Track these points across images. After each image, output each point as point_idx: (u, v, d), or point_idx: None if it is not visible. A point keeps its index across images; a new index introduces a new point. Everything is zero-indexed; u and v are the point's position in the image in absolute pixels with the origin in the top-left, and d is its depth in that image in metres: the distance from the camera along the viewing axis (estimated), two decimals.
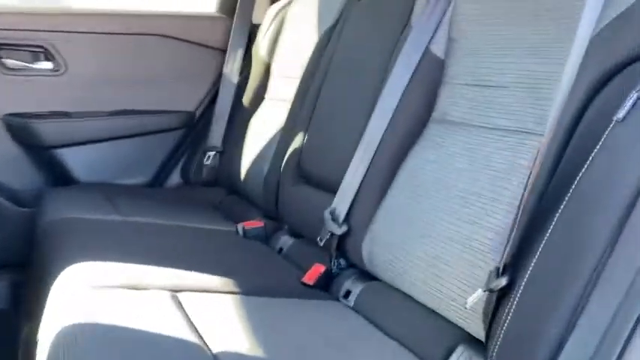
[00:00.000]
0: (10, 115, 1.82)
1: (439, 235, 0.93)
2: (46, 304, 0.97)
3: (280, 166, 1.51)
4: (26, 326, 1.40)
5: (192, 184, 2.00)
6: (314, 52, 1.57)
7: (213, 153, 1.95)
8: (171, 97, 2.02)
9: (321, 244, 1.20)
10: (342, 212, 1.17)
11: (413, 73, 1.12)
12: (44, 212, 1.50)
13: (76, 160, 1.91)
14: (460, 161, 0.96)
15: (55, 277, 1.00)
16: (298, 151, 1.46)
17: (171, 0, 2.09)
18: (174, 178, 2.06)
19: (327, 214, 1.20)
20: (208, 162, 1.95)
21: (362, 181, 1.15)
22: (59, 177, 1.91)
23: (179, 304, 0.93)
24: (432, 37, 1.12)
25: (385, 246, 1.06)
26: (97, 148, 1.94)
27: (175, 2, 2.09)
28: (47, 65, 1.87)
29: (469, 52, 1.04)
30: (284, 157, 1.51)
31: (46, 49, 1.84)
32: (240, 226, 1.52)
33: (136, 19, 1.97)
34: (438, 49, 1.11)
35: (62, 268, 1.02)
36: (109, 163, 1.96)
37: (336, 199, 1.20)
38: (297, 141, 1.48)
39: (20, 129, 1.83)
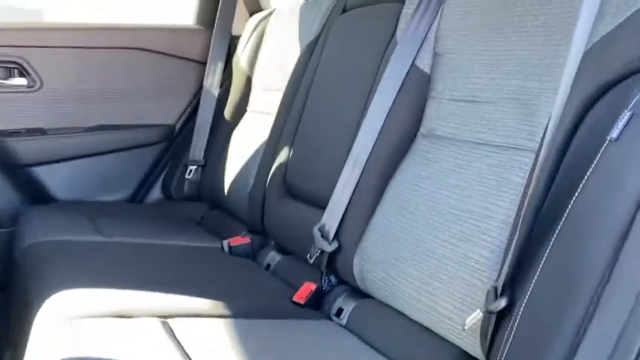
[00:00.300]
0: None
1: (432, 252, 0.93)
2: (31, 334, 0.93)
3: (265, 180, 1.49)
4: (8, 352, 1.35)
5: (174, 199, 1.97)
6: (297, 65, 1.56)
7: (195, 167, 1.92)
8: (150, 111, 1.99)
9: (311, 261, 1.18)
10: (331, 229, 1.16)
11: (399, 87, 1.12)
12: (23, 233, 1.45)
13: (53, 178, 1.87)
14: (451, 177, 0.96)
15: (39, 305, 0.97)
16: (284, 165, 1.45)
17: (148, 13, 2.06)
18: (155, 194, 2.02)
19: (316, 231, 1.18)
20: (190, 176, 1.92)
21: (351, 197, 1.14)
22: (37, 195, 1.86)
23: (170, 332, 0.90)
24: (417, 52, 1.12)
25: (377, 263, 1.05)
26: (74, 165, 1.89)
27: (153, 15, 2.06)
28: (21, 81, 1.82)
29: (455, 67, 1.04)
30: (269, 170, 1.49)
31: (19, 65, 1.80)
32: (225, 243, 1.49)
33: (112, 33, 1.94)
34: (423, 64, 1.11)
35: (46, 296, 0.98)
36: (88, 179, 1.92)
37: (325, 215, 1.19)
38: (283, 155, 1.46)
39: None
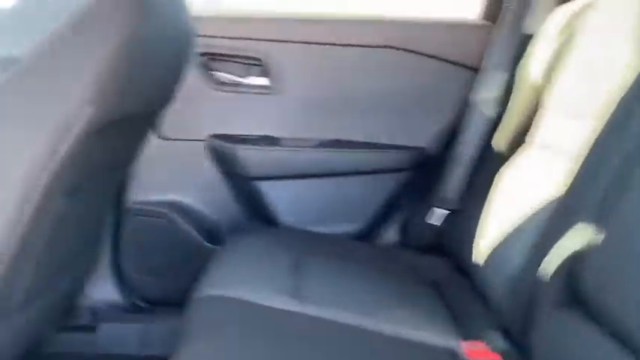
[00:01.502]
0: (215, 136, 1.57)
1: None
2: None
3: (542, 268, 0.92)
4: None
5: (411, 247, 1.51)
6: (633, 84, 0.92)
7: (443, 211, 1.43)
8: (398, 128, 1.56)
9: None
10: None
11: None
12: (208, 274, 1.16)
13: (277, 196, 1.58)
14: None
15: None
16: (579, 256, 0.85)
17: (417, 3, 1.62)
18: (389, 234, 1.59)
19: None
20: (435, 221, 1.44)
21: None
22: (258, 213, 1.60)
23: None
24: None
25: None
26: (302, 185, 1.58)
27: (422, 6, 1.62)
28: (261, 81, 1.57)
29: None
30: (551, 253, 0.91)
31: (261, 62, 1.54)
32: (461, 349, 0.97)
33: (368, 27, 1.55)
34: None
35: None
36: (314, 203, 1.59)
37: None
38: (581, 235, 0.86)
39: (223, 154, 1.57)
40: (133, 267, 1.61)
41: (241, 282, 1.09)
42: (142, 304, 1.63)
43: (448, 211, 1.42)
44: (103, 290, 1.60)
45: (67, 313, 1.44)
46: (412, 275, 1.36)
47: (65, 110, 0.85)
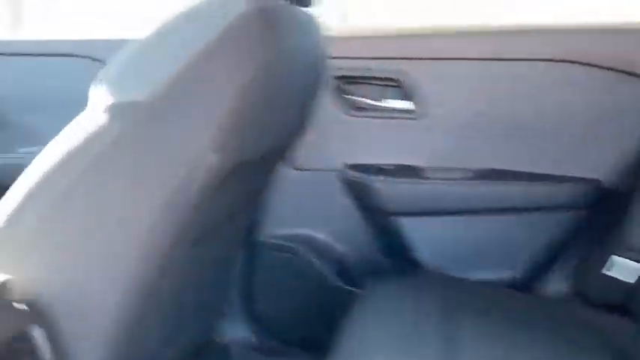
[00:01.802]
0: (350, 166, 1.43)
1: None
2: None
3: None
4: None
5: (591, 301, 1.24)
6: None
7: (627, 261, 1.15)
8: (569, 157, 1.31)
9: None
10: None
11: None
12: (348, 332, 1.01)
13: (421, 235, 1.40)
14: None
15: None
16: None
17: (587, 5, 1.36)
18: (557, 285, 1.33)
19: None
20: (617, 273, 1.17)
21: None
22: (397, 253, 1.43)
23: None
24: None
25: None
26: (451, 222, 1.38)
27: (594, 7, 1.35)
28: (400, 104, 1.40)
29: None
30: None
31: (399, 83, 1.38)
32: None
33: (530, 38, 1.31)
34: None
35: None
36: (466, 245, 1.38)
37: None
38: None
39: (358, 185, 1.42)
40: (265, 305, 1.52)
41: (387, 351, 0.92)
42: (275, 344, 1.54)
43: (637, 263, 1.14)
44: (235, 328, 1.53)
45: (199, 354, 1.39)
46: (591, 341, 1.10)
47: (188, 159, 0.76)
